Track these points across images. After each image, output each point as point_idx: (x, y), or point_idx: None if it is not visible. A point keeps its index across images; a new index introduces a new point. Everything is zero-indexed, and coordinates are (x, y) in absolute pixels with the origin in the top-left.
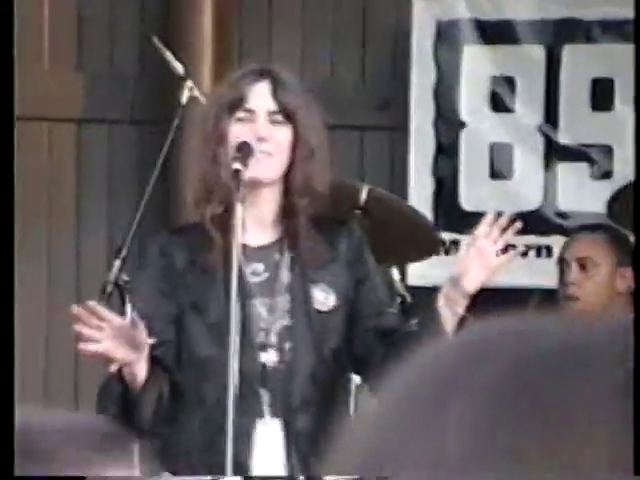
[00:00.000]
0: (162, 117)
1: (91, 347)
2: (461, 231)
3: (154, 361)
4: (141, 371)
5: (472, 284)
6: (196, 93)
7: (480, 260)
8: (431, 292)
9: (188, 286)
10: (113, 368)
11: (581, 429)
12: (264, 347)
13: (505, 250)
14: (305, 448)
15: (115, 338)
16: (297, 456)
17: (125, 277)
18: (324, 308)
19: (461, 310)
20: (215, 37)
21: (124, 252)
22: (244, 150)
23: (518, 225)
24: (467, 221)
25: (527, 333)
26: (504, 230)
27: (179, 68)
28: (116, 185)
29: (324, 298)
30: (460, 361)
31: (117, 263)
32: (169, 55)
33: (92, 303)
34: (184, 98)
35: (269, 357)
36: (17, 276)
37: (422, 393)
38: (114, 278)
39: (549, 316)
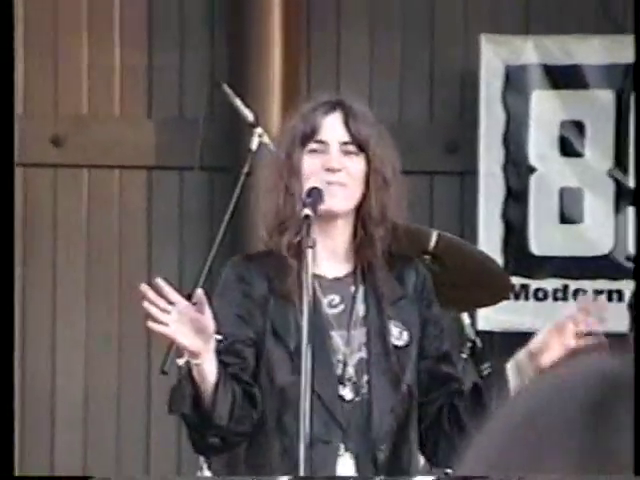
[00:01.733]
0: (232, 163)
1: (158, 328)
2: (530, 276)
3: (228, 374)
4: (210, 372)
5: (548, 361)
6: (266, 139)
7: (560, 338)
8: (500, 337)
9: (267, 312)
10: (181, 362)
11: None
12: (342, 380)
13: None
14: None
15: (182, 323)
16: None
17: None
18: (400, 343)
19: (528, 380)
20: (284, 83)
21: (194, 298)
22: (314, 195)
23: (604, 306)
24: (536, 266)
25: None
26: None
27: (249, 115)
28: (186, 231)
29: (399, 333)
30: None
31: None
32: (239, 102)
33: (161, 282)
34: (254, 144)
35: (347, 391)
36: (89, 321)
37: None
38: None
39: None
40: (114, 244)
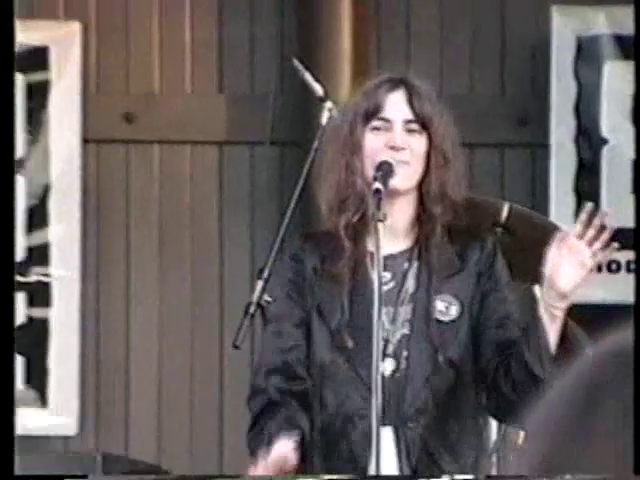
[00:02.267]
0: (302, 138)
1: None
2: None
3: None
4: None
5: (567, 284)
6: (335, 114)
7: (573, 258)
8: (572, 308)
9: (315, 292)
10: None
11: None
12: (382, 356)
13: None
14: (416, 455)
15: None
16: (408, 464)
17: (267, 297)
18: (445, 318)
19: (560, 314)
20: (353, 56)
21: (266, 273)
22: (384, 169)
23: (612, 225)
24: (611, 238)
25: None
26: (600, 231)
27: (319, 89)
28: (258, 206)
29: (445, 308)
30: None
31: (260, 284)
32: (309, 76)
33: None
34: (324, 119)
35: (386, 366)
36: (162, 297)
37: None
38: (257, 299)
39: None
40: (186, 220)
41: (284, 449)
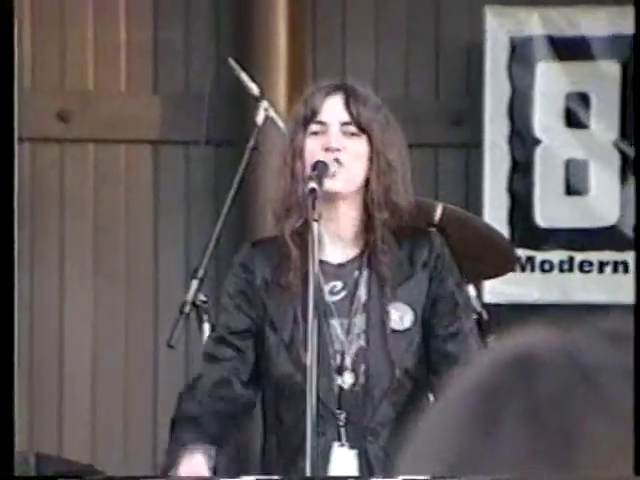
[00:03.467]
0: (238, 137)
1: None
2: (536, 247)
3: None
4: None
5: None
6: (272, 113)
7: None
8: (506, 309)
9: (265, 303)
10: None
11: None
12: (340, 370)
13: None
14: (379, 469)
15: None
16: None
17: (202, 297)
18: (399, 327)
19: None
20: (289, 57)
21: (201, 272)
22: (319, 168)
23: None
24: (542, 237)
25: (571, 350)
26: None
27: (254, 89)
28: (193, 206)
29: (400, 318)
30: (509, 376)
31: (194, 283)
32: (244, 76)
33: None
34: (260, 118)
35: (345, 379)
36: (96, 296)
37: (474, 403)
38: (192, 298)
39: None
40: (120, 219)
41: (194, 464)
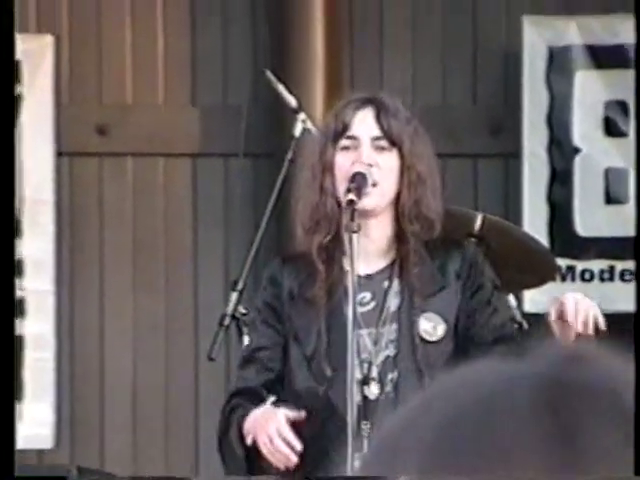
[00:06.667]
0: (276, 149)
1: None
2: (577, 257)
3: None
4: None
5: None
6: (309, 125)
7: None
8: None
9: (292, 317)
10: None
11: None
12: (366, 380)
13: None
14: None
15: None
16: None
17: (242, 309)
18: (431, 338)
19: None
20: (327, 69)
21: (241, 284)
22: (358, 180)
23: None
24: (582, 247)
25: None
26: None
27: (292, 101)
28: (232, 218)
29: (432, 328)
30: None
31: (234, 295)
32: (282, 88)
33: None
34: (297, 130)
35: (371, 390)
36: (136, 308)
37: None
38: (231, 311)
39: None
40: (160, 232)
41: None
